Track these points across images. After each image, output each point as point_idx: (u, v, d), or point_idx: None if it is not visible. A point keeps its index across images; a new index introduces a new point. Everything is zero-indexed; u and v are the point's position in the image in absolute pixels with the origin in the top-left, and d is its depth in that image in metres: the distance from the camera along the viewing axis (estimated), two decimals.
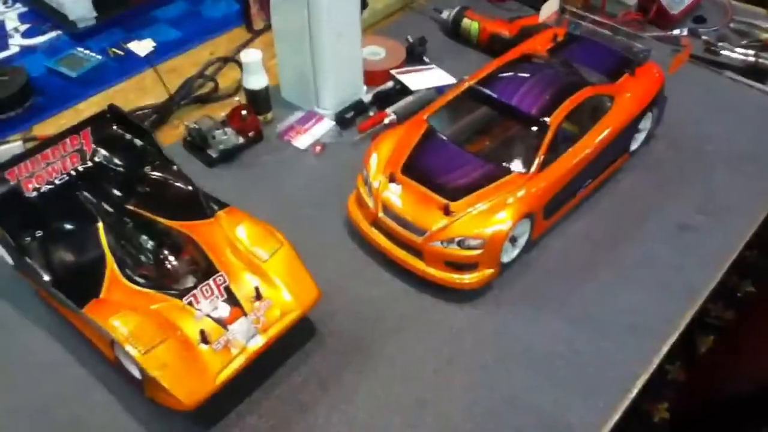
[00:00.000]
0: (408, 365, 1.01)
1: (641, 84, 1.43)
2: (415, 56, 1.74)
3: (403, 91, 1.62)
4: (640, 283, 1.24)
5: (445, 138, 1.29)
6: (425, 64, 1.74)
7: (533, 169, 1.23)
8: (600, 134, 1.32)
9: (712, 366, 1.71)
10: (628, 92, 1.40)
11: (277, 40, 1.56)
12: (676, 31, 1.85)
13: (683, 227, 1.35)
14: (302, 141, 1.51)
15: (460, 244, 1.16)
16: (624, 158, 1.44)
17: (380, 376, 0.99)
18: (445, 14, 1.85)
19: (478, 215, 1.18)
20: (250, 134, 1.49)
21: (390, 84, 1.63)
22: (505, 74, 1.37)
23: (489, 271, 1.20)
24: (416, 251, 1.21)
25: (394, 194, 1.22)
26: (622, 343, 1.15)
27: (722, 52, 1.80)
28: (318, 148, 1.49)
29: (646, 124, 1.47)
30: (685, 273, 1.27)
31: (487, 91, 1.33)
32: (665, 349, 1.16)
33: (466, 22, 1.80)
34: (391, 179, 1.23)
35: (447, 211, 1.17)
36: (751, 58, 1.76)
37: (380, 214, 1.23)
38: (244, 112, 1.46)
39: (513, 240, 1.22)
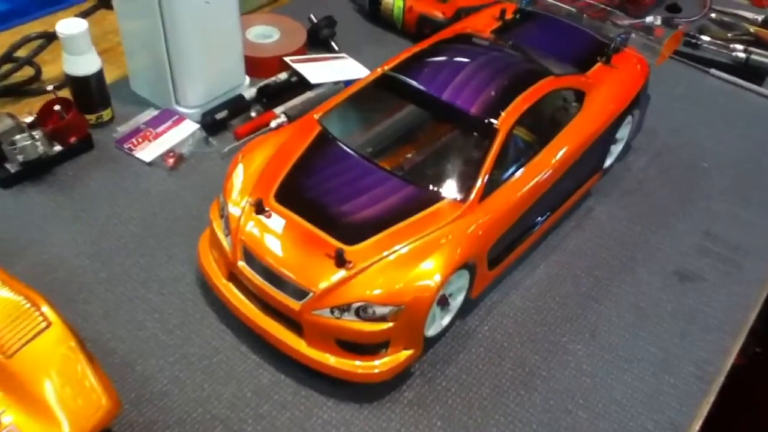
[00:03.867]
0: None
1: (620, 76, 1.04)
2: (319, 41, 1.32)
3: (300, 84, 1.19)
4: (625, 366, 0.85)
5: (345, 147, 0.87)
6: (334, 52, 1.32)
7: (473, 194, 0.81)
8: (566, 144, 0.92)
9: None
10: (604, 87, 1.01)
11: (120, 15, 1.12)
12: (648, 19, 1.49)
13: (683, 275, 0.97)
14: (149, 151, 1.06)
15: (360, 312, 0.74)
16: (596, 178, 1.05)
17: None
18: None
19: (389, 266, 0.75)
20: (72, 140, 1.03)
21: (283, 75, 1.21)
22: (433, 59, 0.96)
23: (406, 354, 0.78)
24: (294, 323, 0.77)
25: (262, 232, 0.79)
26: None
27: (706, 45, 1.45)
28: (171, 160, 1.05)
29: (624, 132, 1.08)
30: (689, 346, 0.88)
31: (408, 80, 0.91)
32: None
33: (388, 0, 1.39)
34: (259, 209, 0.79)
35: (341, 261, 0.75)
36: (742, 54, 1.41)
37: (240, 263, 0.79)
38: (57, 107, 1.01)
39: (444, 302, 0.80)
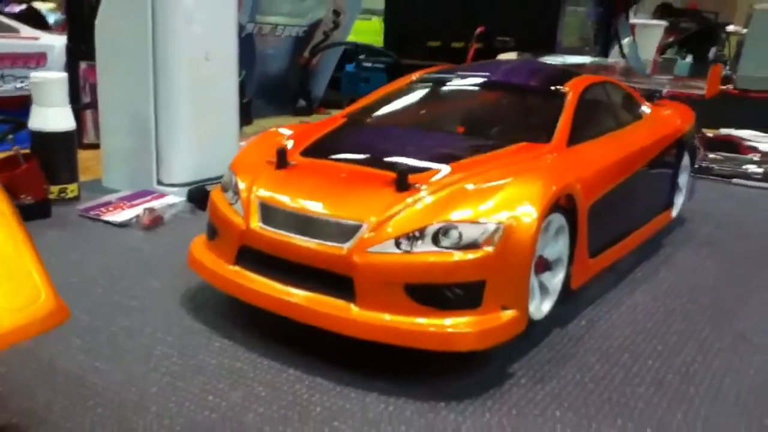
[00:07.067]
0: None
1: (668, 111, 0.96)
2: None
3: None
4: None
5: (385, 125, 0.71)
6: None
7: (556, 136, 0.65)
8: (639, 134, 0.83)
9: None
10: (659, 111, 0.93)
11: (100, 68, 0.99)
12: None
13: None
14: (121, 215, 0.86)
15: (440, 237, 0.51)
16: (667, 216, 0.90)
17: None
18: None
19: (469, 190, 0.54)
20: (26, 198, 0.83)
21: None
22: (464, 67, 0.85)
23: (508, 314, 0.52)
24: (338, 281, 0.52)
25: (285, 183, 0.59)
26: None
27: (718, 168, 1.43)
28: (148, 220, 0.85)
29: (683, 179, 0.96)
30: None
31: (449, 75, 0.78)
32: None
33: None
34: (281, 161, 0.60)
35: (403, 184, 0.54)
36: (758, 169, 1.38)
37: (254, 225, 0.57)
38: (15, 148, 0.83)
39: (544, 266, 0.57)
